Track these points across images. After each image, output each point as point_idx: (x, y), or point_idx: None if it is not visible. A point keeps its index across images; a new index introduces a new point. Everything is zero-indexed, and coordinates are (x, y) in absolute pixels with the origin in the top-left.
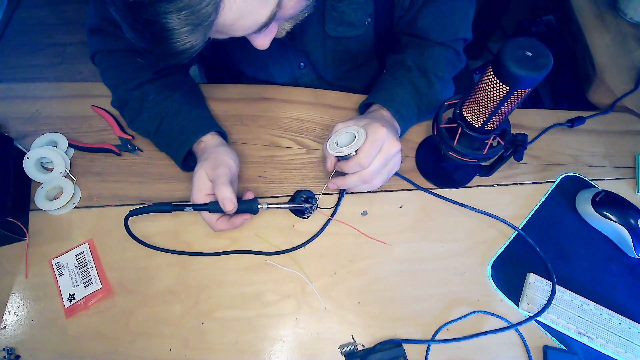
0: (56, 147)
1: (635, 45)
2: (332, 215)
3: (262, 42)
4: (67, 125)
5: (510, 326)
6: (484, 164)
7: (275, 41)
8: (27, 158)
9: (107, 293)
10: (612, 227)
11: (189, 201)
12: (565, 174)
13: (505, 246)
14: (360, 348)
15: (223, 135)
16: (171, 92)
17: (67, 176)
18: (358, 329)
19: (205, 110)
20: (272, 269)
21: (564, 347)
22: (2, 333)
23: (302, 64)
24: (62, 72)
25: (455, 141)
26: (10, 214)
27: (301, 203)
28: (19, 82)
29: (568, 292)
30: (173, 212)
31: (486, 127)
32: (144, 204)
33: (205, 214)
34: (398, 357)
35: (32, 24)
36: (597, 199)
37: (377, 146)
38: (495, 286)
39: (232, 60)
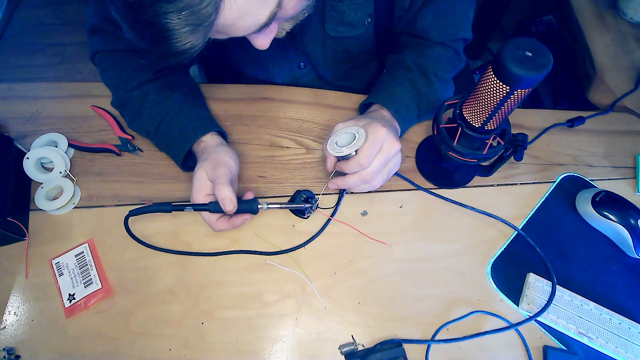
0: (56, 147)
1: (635, 45)
2: (332, 215)
3: (262, 42)
4: (67, 125)
5: (510, 326)
6: (484, 164)
7: (275, 41)
8: (27, 158)
9: (107, 293)
10: (612, 227)
11: (189, 201)
12: (565, 174)
13: (505, 246)
14: (360, 348)
15: (223, 135)
16: (171, 92)
17: (67, 176)
18: (358, 329)
19: (205, 110)
20: (272, 269)
21: (564, 347)
22: (2, 333)
23: (302, 64)
24: (62, 72)
25: (455, 141)
26: (10, 214)
27: (301, 203)
28: (19, 82)
29: (568, 292)
30: (173, 212)
31: (486, 127)
32: (144, 204)
33: (205, 214)
34: (398, 357)
35: (32, 24)
36: (597, 199)
37: (377, 146)
38: (495, 286)
39: (232, 60)
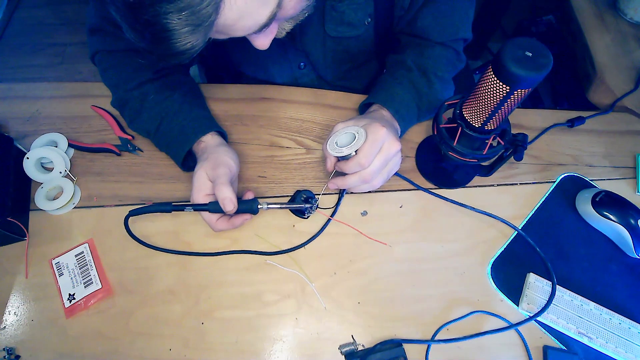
0: (56, 147)
1: (635, 45)
2: (332, 215)
3: (262, 42)
4: (67, 125)
5: (510, 326)
6: (484, 164)
7: (275, 41)
8: (27, 158)
9: (107, 293)
10: (612, 227)
11: (189, 201)
12: (565, 174)
13: (505, 246)
14: (360, 348)
15: (223, 135)
16: (171, 92)
17: (67, 176)
18: (358, 329)
19: (205, 110)
20: (272, 269)
21: (564, 347)
22: (2, 333)
23: (302, 64)
24: (62, 72)
25: (455, 141)
26: (10, 214)
27: (301, 203)
28: (19, 82)
29: (568, 292)
30: (173, 212)
31: (486, 127)
32: (144, 204)
33: (205, 214)
34: (398, 357)
35: (32, 24)
36: (597, 199)
37: (377, 146)
38: (495, 286)
39: (232, 60)
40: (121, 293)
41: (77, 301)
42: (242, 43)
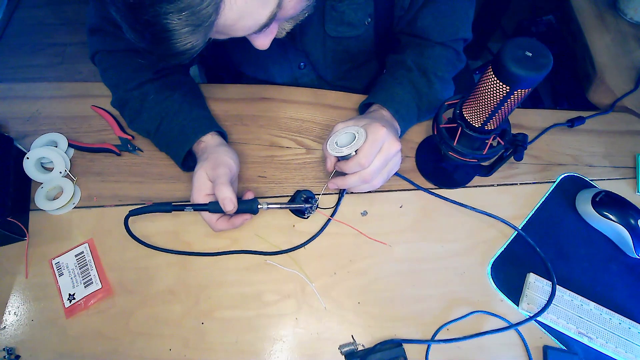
0: (56, 147)
1: (635, 45)
2: (332, 215)
3: (262, 42)
4: (67, 125)
5: (510, 326)
6: (484, 164)
7: (275, 41)
8: (27, 158)
9: (107, 293)
10: (612, 227)
11: (189, 201)
12: (565, 174)
13: (505, 246)
14: (360, 348)
15: (223, 135)
16: (171, 92)
17: (67, 176)
18: (358, 329)
19: (205, 110)
20: (272, 269)
21: (564, 347)
22: (2, 333)
23: (302, 64)
24: (62, 72)
25: (455, 141)
26: (10, 214)
27: (301, 203)
28: (19, 82)
29: (568, 292)
30: (173, 212)
31: (486, 127)
32: (144, 204)
33: (205, 214)
34: (398, 357)
35: (32, 24)
36: (597, 199)
37: (377, 146)
38: (495, 286)
39: (232, 60)
40: (121, 293)
41: (77, 301)
42: (242, 43)
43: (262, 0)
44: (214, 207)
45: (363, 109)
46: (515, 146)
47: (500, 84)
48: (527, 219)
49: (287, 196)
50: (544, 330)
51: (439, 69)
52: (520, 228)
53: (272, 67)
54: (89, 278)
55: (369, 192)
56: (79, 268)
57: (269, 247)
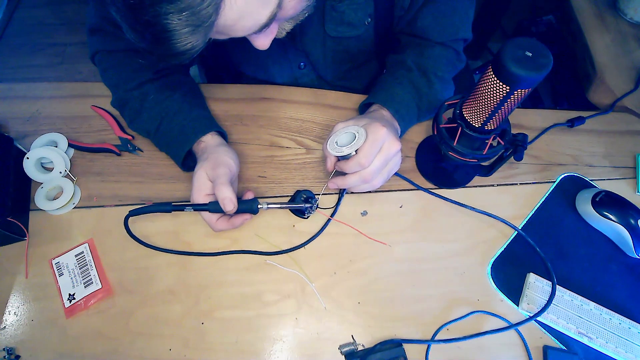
0: (56, 147)
1: (635, 45)
2: (332, 215)
3: (262, 42)
4: (67, 125)
5: (510, 326)
6: (484, 164)
7: (275, 41)
8: (27, 158)
9: (107, 293)
10: (612, 227)
11: (189, 201)
12: (565, 174)
13: (505, 246)
14: (360, 348)
15: (223, 135)
16: (171, 92)
17: (67, 176)
18: (358, 329)
19: (205, 110)
20: (272, 269)
21: (564, 347)
22: (2, 333)
23: (302, 64)
24: (62, 72)
25: (455, 141)
26: (10, 214)
27: (301, 203)
28: (19, 82)
29: (568, 292)
30: (173, 212)
31: (486, 127)
32: (144, 204)
33: (205, 214)
34: (398, 357)
35: (32, 24)
36: (597, 199)
37: (377, 146)
38: (495, 286)
39: (232, 60)
40: (121, 293)
41: (77, 301)
42: (242, 43)
43: (262, 0)
44: (214, 207)
45: (363, 109)
46: (515, 146)
47: (500, 84)
48: (527, 219)
49: (287, 196)
50: (544, 330)
51: (439, 69)
52: (520, 228)
53: (272, 67)
54: (89, 278)
55: (369, 192)
56: (79, 268)
57: (269, 247)
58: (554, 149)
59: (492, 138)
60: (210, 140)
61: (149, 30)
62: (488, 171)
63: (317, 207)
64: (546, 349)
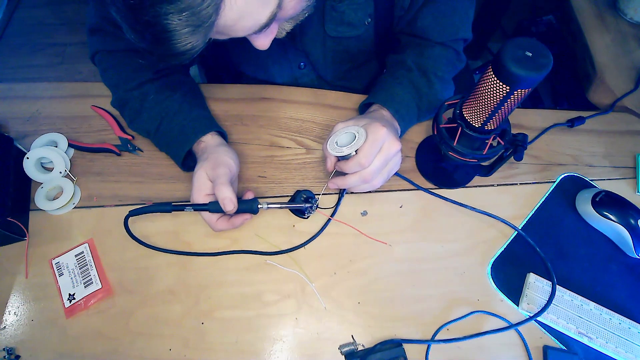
0: (56, 147)
1: (635, 45)
2: (332, 215)
3: (262, 42)
4: (67, 125)
5: (510, 326)
6: (484, 164)
7: (275, 41)
8: (27, 158)
9: (107, 293)
10: (612, 227)
11: (189, 201)
12: (565, 174)
13: (505, 246)
14: (360, 348)
15: (223, 135)
16: (171, 92)
17: (67, 176)
18: (358, 329)
19: (205, 110)
20: (272, 269)
21: (564, 347)
22: (2, 333)
23: (302, 64)
24: (62, 72)
25: (455, 141)
26: (10, 214)
27: (301, 203)
28: (19, 82)
29: (568, 292)
30: (173, 212)
31: (486, 127)
32: (144, 204)
33: (205, 214)
34: (398, 357)
35: (32, 24)
36: (597, 199)
37: (377, 146)
38: (495, 286)
39: (232, 60)
40: (121, 293)
41: (77, 301)
42: (242, 43)
43: (262, 0)
44: (214, 207)
45: (363, 109)
46: (515, 146)
47: (500, 84)
48: (527, 219)
49: (287, 196)
50: (544, 330)
51: (439, 69)
52: (520, 228)
53: (272, 67)
54: (89, 278)
55: (369, 192)
56: (79, 268)
57: (269, 247)
58: (554, 149)
59: (492, 138)
60: (210, 140)
61: (149, 30)
62: (488, 171)
63: (317, 207)
64: (546, 349)
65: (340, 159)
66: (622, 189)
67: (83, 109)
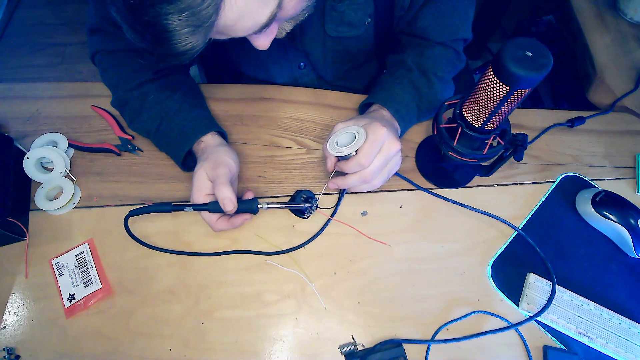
0: (56, 147)
1: (635, 45)
2: (332, 215)
3: (262, 42)
4: (67, 125)
5: (510, 326)
6: (484, 164)
7: (275, 41)
8: (27, 158)
9: (107, 293)
10: (612, 227)
11: (189, 201)
12: (565, 174)
13: (505, 246)
14: (360, 348)
15: (223, 135)
16: (171, 92)
17: (67, 176)
18: (358, 329)
19: (205, 110)
20: (272, 269)
21: (564, 347)
22: (2, 333)
23: (302, 64)
24: (62, 72)
25: (455, 141)
26: (10, 214)
27: (301, 203)
28: (19, 82)
29: (568, 292)
30: (173, 212)
31: (486, 127)
32: (144, 204)
33: (205, 214)
34: (398, 357)
35: (32, 24)
36: (597, 199)
37: (377, 146)
38: (495, 286)
39: (232, 60)
40: (121, 293)
41: (77, 301)
42: (242, 43)
43: (262, 0)
44: (214, 207)
45: (363, 109)
46: (515, 146)
47: (500, 84)
48: (527, 219)
49: (287, 196)
50: (544, 330)
51: (439, 69)
52: (520, 228)
53: (272, 67)
54: (89, 278)
55: (369, 192)
56: (79, 268)
57: (269, 247)
58: (554, 149)
59: (492, 138)
60: (210, 140)
61: (149, 30)
62: (488, 171)
63: (317, 207)
64: (546, 349)
65: (340, 159)
66: (622, 189)
67: (83, 109)
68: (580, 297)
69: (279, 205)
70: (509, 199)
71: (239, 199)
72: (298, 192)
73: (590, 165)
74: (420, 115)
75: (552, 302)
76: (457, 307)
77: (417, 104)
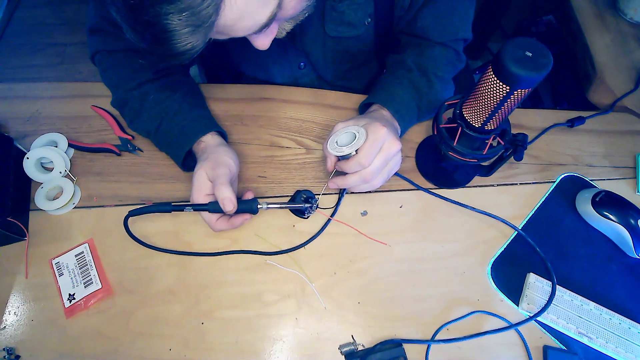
0: (56, 147)
1: (635, 45)
2: (332, 215)
3: (262, 42)
4: (67, 125)
5: (510, 326)
6: (484, 164)
7: (275, 41)
8: (27, 158)
9: (107, 293)
10: (612, 227)
11: (189, 201)
12: (565, 174)
13: (505, 246)
14: (360, 348)
15: (223, 135)
16: (171, 92)
17: (67, 176)
18: (358, 329)
19: (205, 110)
20: (272, 269)
21: (564, 347)
22: (2, 333)
23: (302, 64)
24: (62, 72)
25: (455, 141)
26: (10, 214)
27: (301, 203)
28: (19, 82)
29: (568, 292)
30: (173, 212)
31: (486, 127)
32: (144, 204)
33: (205, 214)
34: (398, 357)
35: (32, 24)
36: (597, 199)
37: (377, 146)
38: (495, 286)
39: (232, 60)
40: (121, 293)
41: (77, 301)
42: (242, 43)
43: (262, 0)
44: (213, 207)
45: (363, 109)
46: (515, 146)
47: (500, 84)
48: (527, 219)
49: (287, 196)
50: (544, 330)
51: (439, 69)
52: (520, 228)
53: (272, 67)
54: (89, 278)
55: (369, 192)
56: (79, 268)
57: (269, 247)
58: (554, 149)
59: (492, 138)
60: (210, 140)
61: (149, 30)
62: (488, 171)
63: (317, 207)
64: (546, 349)
65: (341, 158)
66: (622, 189)
67: (83, 109)
68: (580, 297)
69: (279, 206)
70: (509, 199)
71: (239, 199)
72: (298, 192)
73: (590, 165)
74: (420, 115)
75: (552, 302)
76: (457, 307)
77: (417, 104)
